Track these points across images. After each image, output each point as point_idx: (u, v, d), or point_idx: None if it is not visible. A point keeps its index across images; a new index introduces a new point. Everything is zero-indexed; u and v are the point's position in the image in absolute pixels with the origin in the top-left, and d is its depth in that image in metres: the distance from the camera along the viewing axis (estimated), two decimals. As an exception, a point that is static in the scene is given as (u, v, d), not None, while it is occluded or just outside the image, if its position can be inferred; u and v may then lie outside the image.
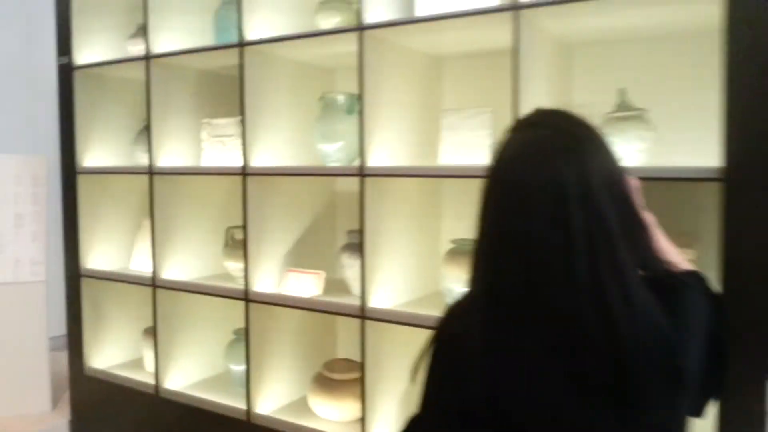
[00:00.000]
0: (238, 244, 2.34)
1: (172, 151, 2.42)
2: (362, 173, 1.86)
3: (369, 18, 1.83)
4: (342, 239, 2.42)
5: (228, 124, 2.31)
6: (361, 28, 1.84)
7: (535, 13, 1.60)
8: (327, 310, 1.98)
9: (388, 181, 1.92)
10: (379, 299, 1.91)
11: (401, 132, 1.98)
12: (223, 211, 2.61)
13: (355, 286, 2.10)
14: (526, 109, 1.62)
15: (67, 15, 2.59)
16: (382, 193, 1.91)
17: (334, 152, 2.09)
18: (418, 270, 2.08)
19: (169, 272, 2.40)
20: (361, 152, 1.86)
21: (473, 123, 1.87)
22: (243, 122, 2.11)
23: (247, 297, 2.13)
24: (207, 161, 2.36)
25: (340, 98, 2.08)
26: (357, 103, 2.09)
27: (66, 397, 2.90)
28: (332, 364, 2.17)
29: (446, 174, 1.83)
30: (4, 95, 3.70)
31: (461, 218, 2.13)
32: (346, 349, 2.46)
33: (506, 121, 1.17)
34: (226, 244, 2.41)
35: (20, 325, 2.76)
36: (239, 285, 2.23)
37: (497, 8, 1.63)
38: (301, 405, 2.23)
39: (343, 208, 2.45)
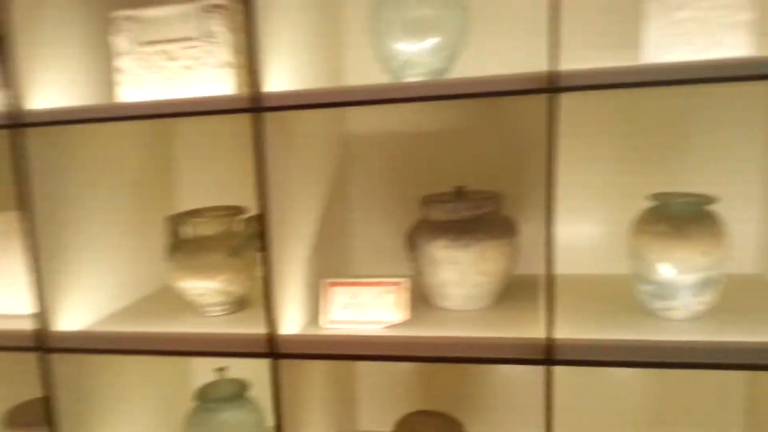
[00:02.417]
0: (195, 245, 1.29)
1: (49, 81, 1.24)
2: (553, 86, 0.96)
3: None
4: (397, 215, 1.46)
5: (182, 16, 1.21)
6: None
7: None
8: (498, 358, 1.04)
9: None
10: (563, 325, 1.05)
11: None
12: (150, 186, 1.49)
13: (456, 295, 1.21)
14: None
15: None
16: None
17: (423, 56, 1.15)
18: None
19: (69, 316, 1.25)
20: (554, 56, 0.95)
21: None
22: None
23: (273, 348, 1.11)
24: (130, 95, 1.24)
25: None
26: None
27: None
28: (417, 426, 1.26)
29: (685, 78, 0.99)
30: None
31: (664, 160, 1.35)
32: (373, 399, 1.56)
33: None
34: (175, 247, 1.33)
35: None
36: (249, 328, 1.19)
37: None
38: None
39: (368, 156, 1.50)
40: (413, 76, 1.18)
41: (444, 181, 1.44)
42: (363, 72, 1.44)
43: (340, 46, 1.45)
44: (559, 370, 1.02)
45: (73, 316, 1.24)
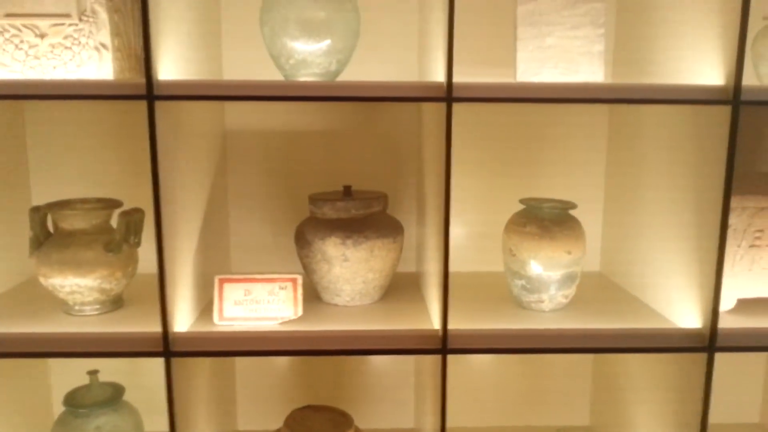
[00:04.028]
0: (67, 239, 1.19)
1: None
2: (450, 96, 1.03)
3: None
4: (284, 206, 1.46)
5: (60, -8, 1.11)
6: None
7: None
8: (398, 349, 1.08)
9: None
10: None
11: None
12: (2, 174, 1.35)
13: (347, 290, 1.25)
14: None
15: None
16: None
17: (318, 57, 1.17)
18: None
19: None
20: (449, 61, 1.02)
21: (574, 17, 1.21)
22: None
23: (168, 347, 1.06)
24: (-8, 71, 1.12)
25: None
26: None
27: None
28: (308, 421, 1.27)
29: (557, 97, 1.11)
30: None
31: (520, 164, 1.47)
32: (252, 397, 1.55)
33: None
34: (41, 240, 1.22)
35: None
36: (129, 327, 1.12)
37: None
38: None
39: (246, 153, 1.48)
40: (306, 76, 1.20)
41: (320, 180, 1.47)
42: (240, 68, 1.43)
43: (219, 39, 1.42)
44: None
45: None
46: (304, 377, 1.56)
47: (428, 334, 1.09)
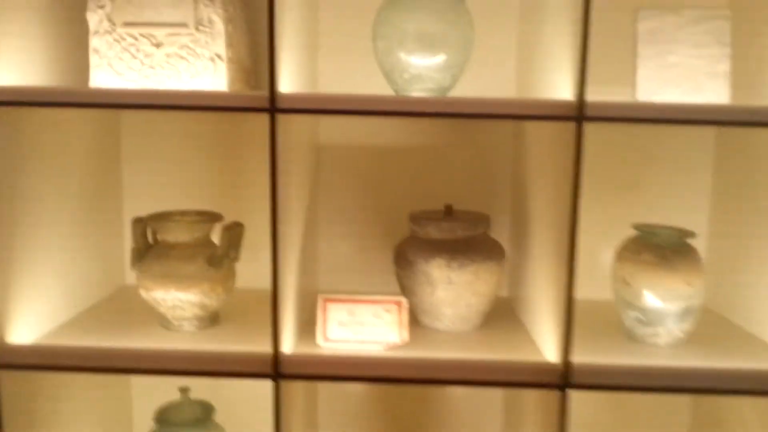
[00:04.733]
0: (170, 251, 1.17)
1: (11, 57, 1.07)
2: (583, 115, 0.98)
3: None
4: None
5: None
6: None
7: None
8: (514, 382, 1.03)
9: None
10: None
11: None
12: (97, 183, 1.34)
13: (448, 315, 1.20)
14: None
15: None
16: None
17: (433, 71, 1.13)
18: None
19: (20, 327, 1.08)
20: (582, 78, 0.97)
21: (697, 34, 1.15)
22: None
23: (278, 369, 1.02)
24: (104, 80, 1.11)
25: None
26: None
27: None
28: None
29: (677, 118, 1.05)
30: None
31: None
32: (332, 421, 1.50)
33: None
34: (143, 252, 1.20)
35: None
36: (229, 344, 1.09)
37: None
38: None
39: (335, 168, 1.45)
40: (420, 91, 1.16)
41: (408, 197, 1.42)
42: (335, 81, 1.40)
43: (316, 52, 1.40)
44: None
45: (23, 327, 1.08)
46: (382, 403, 1.51)
47: (546, 368, 1.03)
